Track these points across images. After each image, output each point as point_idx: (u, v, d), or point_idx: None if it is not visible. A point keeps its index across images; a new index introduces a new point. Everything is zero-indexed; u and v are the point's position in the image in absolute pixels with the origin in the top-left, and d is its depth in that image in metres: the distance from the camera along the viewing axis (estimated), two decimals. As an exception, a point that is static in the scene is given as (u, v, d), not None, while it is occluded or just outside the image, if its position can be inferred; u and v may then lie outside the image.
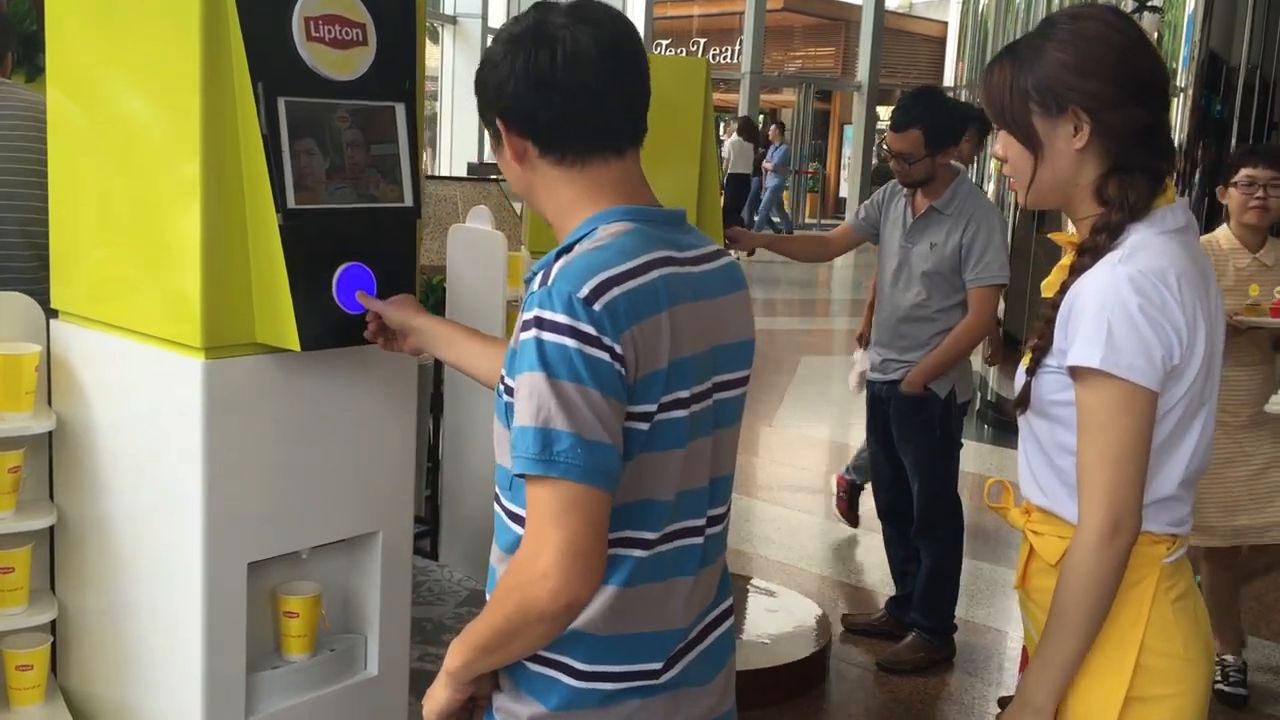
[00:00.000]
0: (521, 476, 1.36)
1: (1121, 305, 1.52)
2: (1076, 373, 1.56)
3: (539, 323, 1.35)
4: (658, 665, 1.48)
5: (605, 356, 1.34)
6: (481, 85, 1.52)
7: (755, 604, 4.13)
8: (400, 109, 2.14)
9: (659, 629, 1.48)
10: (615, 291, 1.36)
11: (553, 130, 1.46)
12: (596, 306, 1.34)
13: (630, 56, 1.49)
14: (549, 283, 1.37)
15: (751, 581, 4.36)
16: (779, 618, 4.04)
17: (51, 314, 2.36)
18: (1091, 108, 1.58)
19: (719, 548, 1.59)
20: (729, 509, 1.61)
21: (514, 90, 1.46)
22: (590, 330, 1.33)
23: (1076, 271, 1.60)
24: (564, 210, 1.52)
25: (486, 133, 1.57)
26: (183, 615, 2.10)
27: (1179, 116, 6.73)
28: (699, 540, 1.52)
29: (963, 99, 9.50)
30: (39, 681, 2.32)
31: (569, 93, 1.44)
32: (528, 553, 1.35)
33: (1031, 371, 1.66)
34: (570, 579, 1.32)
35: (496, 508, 1.52)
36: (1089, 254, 1.59)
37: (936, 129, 3.66)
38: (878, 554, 4.51)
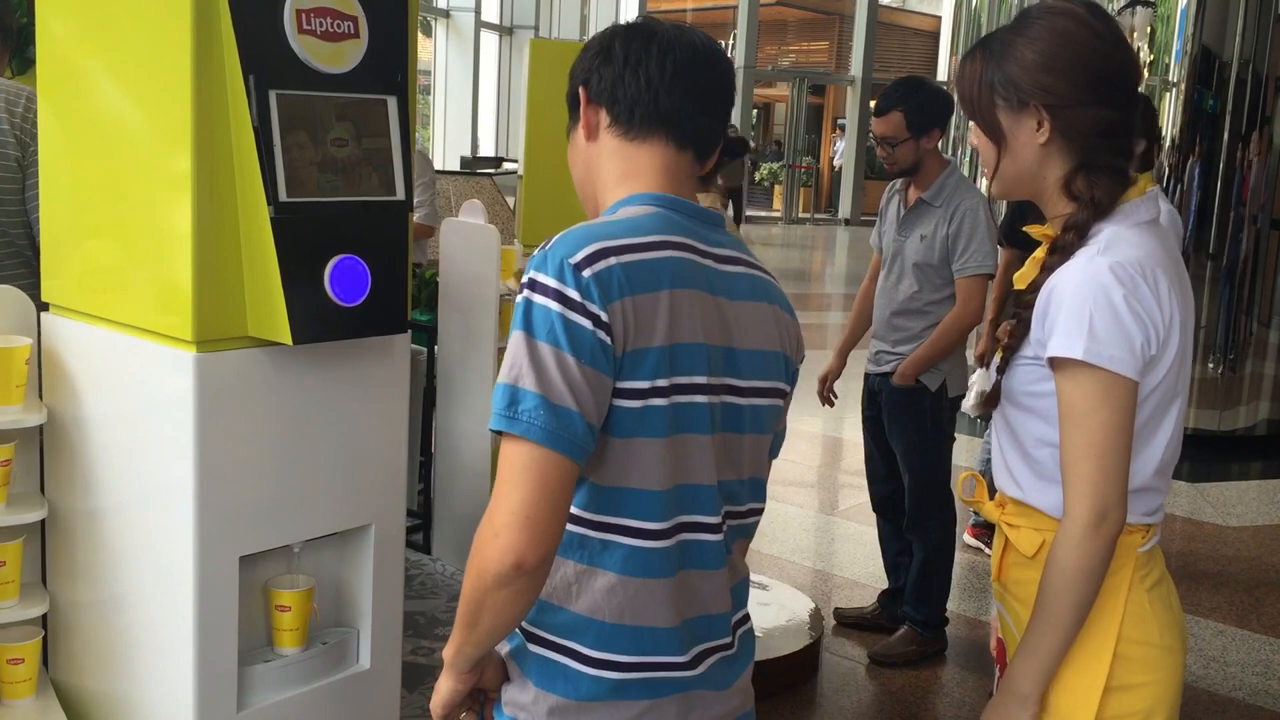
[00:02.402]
0: (494, 433, 1.38)
1: (1104, 295, 1.53)
2: (1057, 364, 1.56)
3: (531, 284, 1.38)
4: (681, 658, 1.48)
5: (587, 324, 1.35)
6: (573, 69, 1.59)
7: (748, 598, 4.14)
8: (392, 102, 2.13)
9: (673, 623, 1.47)
10: (611, 261, 1.38)
11: (627, 100, 1.53)
12: (586, 273, 1.36)
13: (716, 74, 1.56)
14: (548, 247, 1.40)
15: (744, 575, 4.37)
16: (772, 611, 4.04)
17: (42, 307, 2.36)
18: (1051, 104, 1.60)
19: (735, 546, 1.58)
20: (754, 511, 1.59)
21: (600, 65, 1.54)
22: (575, 296, 1.35)
23: (1049, 269, 1.61)
24: (608, 186, 1.56)
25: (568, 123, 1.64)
26: (174, 609, 2.10)
27: (1171, 110, 6.74)
28: (717, 537, 1.51)
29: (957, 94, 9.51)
30: (30, 675, 2.32)
31: (653, 71, 1.51)
32: (487, 513, 1.37)
33: (1003, 368, 1.67)
34: (517, 540, 1.32)
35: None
36: (1060, 252, 1.60)
37: (917, 111, 3.68)
38: (870, 548, 4.52)
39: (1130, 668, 1.60)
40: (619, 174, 1.55)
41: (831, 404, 4.10)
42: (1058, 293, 1.57)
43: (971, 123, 1.71)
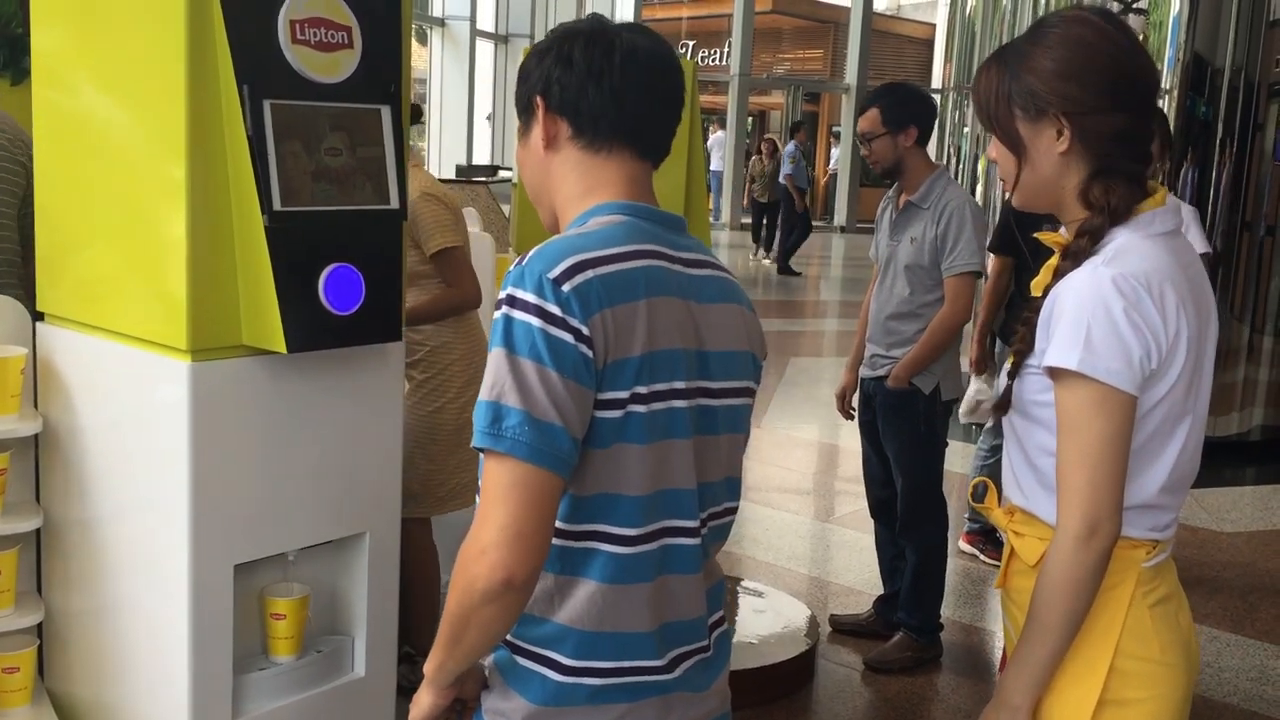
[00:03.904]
0: (479, 451, 1.38)
1: (1103, 306, 1.52)
2: (1055, 374, 1.56)
3: (510, 301, 1.37)
4: (659, 662, 1.48)
5: (569, 338, 1.35)
6: (525, 72, 1.57)
7: (744, 605, 4.14)
8: (386, 112, 2.14)
9: (652, 628, 1.48)
10: (589, 274, 1.38)
11: (593, 114, 1.51)
12: (565, 287, 1.36)
13: (674, 80, 1.56)
14: (524, 262, 1.40)
15: (741, 583, 4.37)
16: (767, 618, 4.04)
17: (37, 317, 2.36)
18: (1070, 112, 1.59)
19: (712, 549, 1.59)
20: (729, 511, 1.60)
21: (560, 74, 1.51)
22: (556, 311, 1.35)
23: (1059, 274, 1.60)
24: (571, 199, 1.54)
25: (518, 123, 1.61)
26: (169, 617, 2.10)
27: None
28: (695, 541, 1.51)
29: (951, 101, 9.54)
30: (26, 684, 2.32)
31: (618, 83, 1.50)
32: (473, 531, 1.37)
33: (1014, 374, 1.67)
34: (506, 556, 1.32)
35: (477, 498, 1.52)
36: (1071, 258, 1.59)
37: (892, 107, 3.74)
38: (865, 554, 4.52)
39: (1127, 682, 1.59)
40: (584, 186, 1.53)
41: (852, 417, 4.10)
42: (1060, 302, 1.56)
43: (992, 135, 1.70)
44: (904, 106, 3.76)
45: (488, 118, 16.08)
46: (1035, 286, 1.69)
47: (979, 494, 1.81)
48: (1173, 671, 1.62)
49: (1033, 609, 1.58)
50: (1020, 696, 1.59)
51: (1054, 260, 1.66)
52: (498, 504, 1.33)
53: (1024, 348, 1.64)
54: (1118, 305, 1.52)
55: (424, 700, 1.50)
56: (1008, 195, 1.72)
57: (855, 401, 4.11)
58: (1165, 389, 1.57)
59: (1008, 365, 1.70)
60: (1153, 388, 1.56)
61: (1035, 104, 1.61)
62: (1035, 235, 1.78)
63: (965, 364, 4.94)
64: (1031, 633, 1.58)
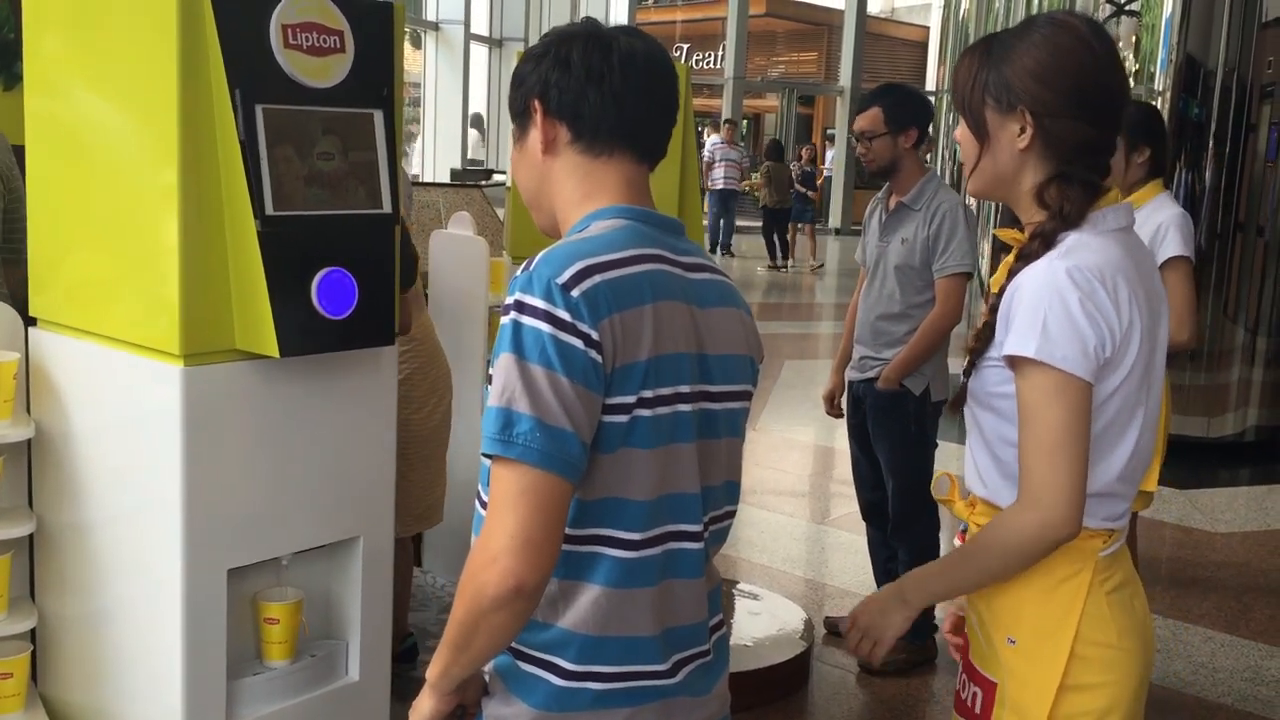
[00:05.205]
0: (488, 457, 1.38)
1: (1058, 297, 1.56)
2: (1013, 362, 1.60)
3: (519, 306, 1.37)
4: (662, 666, 1.48)
5: (579, 343, 1.35)
6: (520, 75, 1.56)
7: (739, 607, 4.14)
8: (378, 116, 2.14)
9: (656, 632, 1.48)
10: (597, 279, 1.38)
11: (592, 118, 1.50)
12: (575, 293, 1.36)
13: (671, 83, 1.56)
14: (531, 268, 1.39)
15: (736, 585, 4.36)
16: (763, 620, 4.04)
17: (30, 322, 2.36)
18: (1037, 112, 1.64)
19: (712, 552, 1.59)
20: (729, 514, 1.61)
21: (558, 78, 1.50)
22: (565, 316, 1.35)
23: (1014, 274, 1.65)
24: (571, 203, 1.54)
25: (512, 127, 1.61)
26: (163, 622, 2.10)
27: (1157, 119, 6.77)
28: (698, 545, 1.52)
29: (945, 103, 9.56)
30: (19, 689, 2.31)
31: (617, 86, 1.50)
32: (482, 538, 1.37)
33: (969, 371, 1.71)
34: (517, 563, 1.32)
35: (476, 504, 1.52)
36: (1024, 259, 1.64)
37: (894, 106, 3.76)
38: (860, 557, 4.52)
39: (1087, 668, 1.63)
40: (583, 191, 1.53)
41: (841, 415, 4.10)
42: (1018, 295, 1.61)
43: (960, 119, 1.74)
44: (905, 107, 3.78)
45: (474, 125, 16.04)
46: (993, 284, 1.73)
47: (941, 487, 1.84)
48: (1130, 656, 1.67)
49: (967, 548, 1.67)
50: (917, 597, 1.71)
51: (1010, 259, 1.70)
52: (507, 511, 1.33)
53: (980, 345, 1.68)
54: (1073, 296, 1.56)
55: (425, 706, 1.49)
56: (966, 182, 1.76)
57: (843, 403, 4.11)
58: (1120, 378, 1.61)
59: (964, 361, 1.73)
60: (1108, 377, 1.60)
61: (1007, 98, 1.65)
62: (994, 232, 1.81)
63: (954, 365, 4.96)
64: (955, 564, 1.70)
